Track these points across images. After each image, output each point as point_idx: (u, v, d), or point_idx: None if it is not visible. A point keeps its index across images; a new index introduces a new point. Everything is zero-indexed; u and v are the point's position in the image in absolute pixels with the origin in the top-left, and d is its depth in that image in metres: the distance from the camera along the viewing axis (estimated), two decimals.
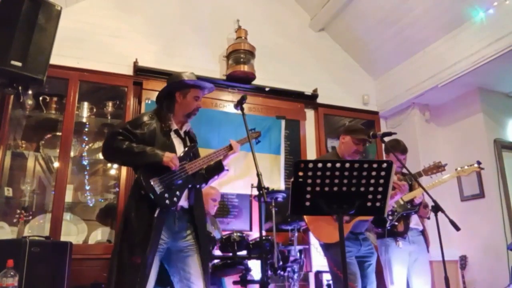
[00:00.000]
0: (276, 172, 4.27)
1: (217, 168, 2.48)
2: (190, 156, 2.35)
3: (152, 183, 2.15)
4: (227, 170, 2.51)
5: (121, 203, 3.50)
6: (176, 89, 2.38)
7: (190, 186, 2.29)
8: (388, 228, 3.11)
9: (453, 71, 4.13)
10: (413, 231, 3.23)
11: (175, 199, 2.19)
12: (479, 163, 3.22)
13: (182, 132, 2.42)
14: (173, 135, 2.36)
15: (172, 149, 2.28)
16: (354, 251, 2.73)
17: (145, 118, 2.33)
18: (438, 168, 3.06)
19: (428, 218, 3.33)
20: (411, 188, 3.22)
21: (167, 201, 2.16)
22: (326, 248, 2.79)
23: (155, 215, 2.12)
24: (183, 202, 2.26)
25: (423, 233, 3.30)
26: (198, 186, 2.37)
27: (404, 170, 3.13)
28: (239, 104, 2.49)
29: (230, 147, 2.47)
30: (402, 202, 3.15)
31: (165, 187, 2.17)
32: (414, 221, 3.26)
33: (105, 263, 3.04)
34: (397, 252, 3.13)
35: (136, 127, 2.26)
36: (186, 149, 2.36)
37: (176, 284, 2.23)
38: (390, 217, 3.10)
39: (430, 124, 4.86)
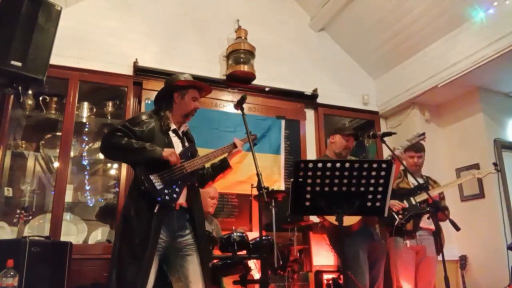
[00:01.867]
0: (276, 172, 4.28)
1: (223, 166, 2.50)
2: (188, 156, 2.35)
3: (151, 178, 2.16)
4: (231, 168, 2.52)
5: (121, 203, 3.49)
6: (174, 90, 2.40)
7: (188, 184, 2.29)
8: (399, 226, 3.08)
9: (453, 71, 4.13)
10: (423, 231, 3.19)
11: (174, 195, 2.20)
12: (495, 164, 3.25)
13: (180, 132, 2.43)
14: (171, 134, 2.37)
15: (171, 148, 2.28)
16: (365, 248, 2.74)
17: (144, 117, 2.34)
18: (419, 137, 3.05)
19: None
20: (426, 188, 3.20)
21: (166, 197, 2.17)
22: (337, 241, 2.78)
23: (155, 211, 2.13)
24: (182, 201, 2.26)
25: (436, 234, 3.20)
26: (196, 184, 2.37)
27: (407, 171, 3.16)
28: (239, 104, 2.49)
29: (234, 146, 2.48)
30: (414, 202, 3.14)
31: (164, 183, 2.18)
32: (426, 221, 3.20)
33: (105, 263, 3.04)
34: (405, 251, 3.11)
35: (135, 125, 2.27)
36: (184, 148, 2.37)
37: (174, 283, 2.23)
38: (400, 216, 3.09)
39: (430, 124, 4.85)
